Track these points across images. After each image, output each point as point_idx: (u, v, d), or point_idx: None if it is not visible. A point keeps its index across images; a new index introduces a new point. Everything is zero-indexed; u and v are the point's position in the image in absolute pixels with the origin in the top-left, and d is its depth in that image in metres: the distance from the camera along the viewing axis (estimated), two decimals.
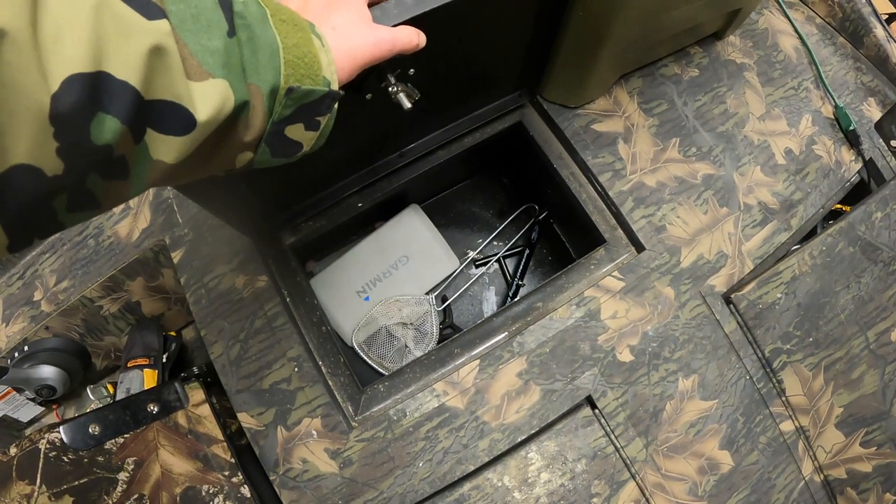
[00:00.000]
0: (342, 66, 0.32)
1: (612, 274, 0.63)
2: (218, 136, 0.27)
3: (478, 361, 0.60)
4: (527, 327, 0.60)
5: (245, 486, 0.56)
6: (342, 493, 0.56)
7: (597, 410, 0.60)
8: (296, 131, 0.31)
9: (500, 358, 0.59)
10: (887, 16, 1.02)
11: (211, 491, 0.55)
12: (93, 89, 0.21)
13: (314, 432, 0.58)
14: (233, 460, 0.56)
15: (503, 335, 0.61)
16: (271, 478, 0.57)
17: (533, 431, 0.58)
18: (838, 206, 0.87)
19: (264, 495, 0.57)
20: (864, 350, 0.69)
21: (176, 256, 0.65)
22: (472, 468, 0.57)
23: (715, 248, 0.68)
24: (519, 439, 0.58)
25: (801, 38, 0.91)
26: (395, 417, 0.58)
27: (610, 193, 0.66)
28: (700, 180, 0.70)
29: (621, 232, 0.66)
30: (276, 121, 0.29)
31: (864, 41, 0.95)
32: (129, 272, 0.69)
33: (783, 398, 0.68)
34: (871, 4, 0.98)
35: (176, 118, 0.24)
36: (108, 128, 0.22)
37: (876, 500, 0.72)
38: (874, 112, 0.91)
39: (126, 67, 0.22)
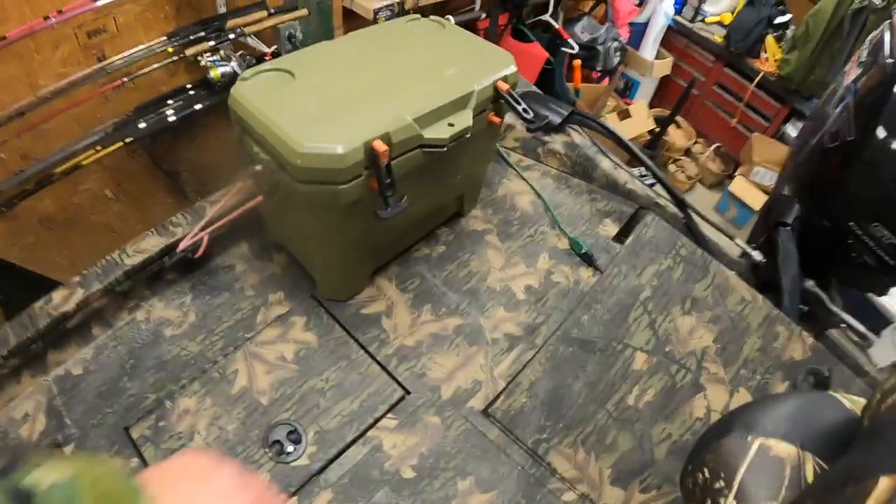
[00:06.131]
0: None
1: (387, 416, 1.14)
2: None
3: None
4: (328, 465, 1.08)
5: None
6: None
7: None
8: None
9: (310, 493, 1.07)
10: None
11: None
12: None
13: None
14: None
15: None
16: None
17: None
18: None
19: None
20: (608, 419, 1.17)
21: (68, 449, 1.07)
22: None
23: (470, 378, 1.20)
24: None
25: (536, 192, 1.54)
26: None
27: (378, 358, 1.19)
28: (451, 331, 1.26)
29: (393, 384, 1.18)
30: None
31: (594, 175, 1.60)
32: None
33: (557, 476, 1.15)
34: (596, 144, 1.64)
35: None
36: None
37: None
38: (611, 229, 1.53)
39: None
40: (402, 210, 0.99)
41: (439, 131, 1.00)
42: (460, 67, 1.11)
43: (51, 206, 1.82)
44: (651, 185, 1.67)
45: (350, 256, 1.17)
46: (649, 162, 1.61)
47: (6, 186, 1.55)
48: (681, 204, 1.54)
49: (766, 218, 2.29)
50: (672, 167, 3.27)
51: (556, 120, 1.59)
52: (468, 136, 1.04)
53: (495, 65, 1.14)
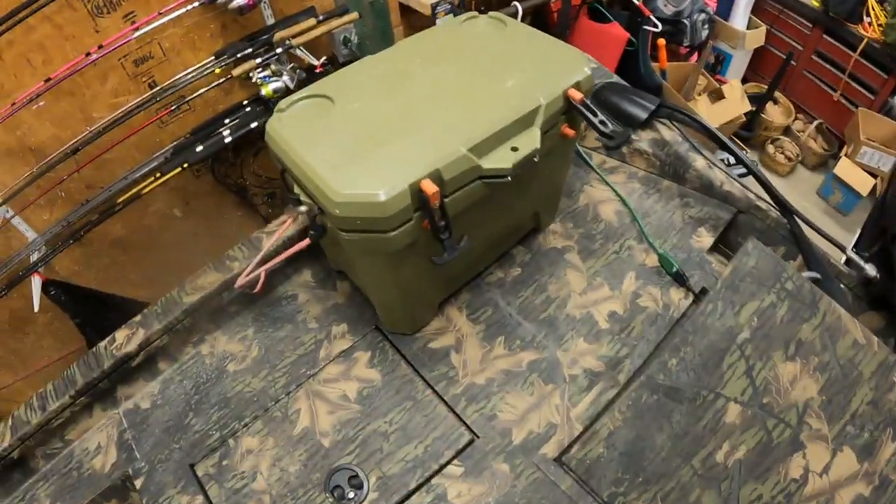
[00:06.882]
0: None
1: (453, 462, 1.05)
2: None
3: None
4: None
5: None
6: None
7: None
8: None
9: None
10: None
11: None
12: None
13: None
14: None
15: None
16: None
17: None
18: None
19: None
20: (693, 476, 1.05)
21: (138, 483, 1.10)
22: None
23: (544, 422, 1.09)
24: None
25: (622, 199, 1.38)
26: None
27: (445, 398, 1.10)
28: (525, 367, 1.15)
29: (460, 427, 1.09)
30: None
31: (687, 176, 1.43)
32: (106, 495, 1.13)
33: None
34: (688, 140, 1.46)
35: None
36: None
37: None
38: (705, 240, 1.36)
39: None
40: (462, 251, 0.87)
41: (501, 159, 0.88)
42: (523, 76, 0.98)
43: (122, 230, 1.86)
44: (742, 176, 1.48)
45: (411, 296, 1.09)
46: (754, 169, 1.39)
47: (74, 217, 1.58)
48: (784, 208, 1.34)
49: (878, 221, 2.01)
50: (770, 148, 2.95)
51: (642, 116, 1.42)
52: (537, 158, 0.90)
53: (565, 69, 1.00)
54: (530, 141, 0.90)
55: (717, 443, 1.05)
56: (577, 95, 0.95)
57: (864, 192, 2.65)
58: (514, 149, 0.88)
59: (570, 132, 1.01)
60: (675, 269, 1.28)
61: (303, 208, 0.92)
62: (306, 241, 0.99)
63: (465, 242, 0.87)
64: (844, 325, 1.13)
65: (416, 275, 1.02)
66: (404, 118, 0.92)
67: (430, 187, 0.79)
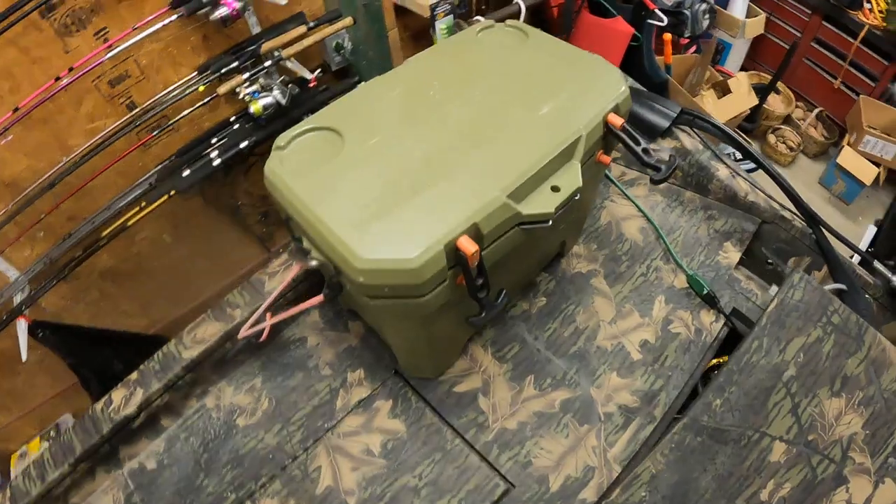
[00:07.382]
0: None
1: None
2: None
3: None
4: None
5: None
6: None
7: None
8: None
9: None
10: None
11: None
12: None
13: None
14: None
15: None
16: None
17: None
18: (716, 360, 1.21)
19: None
20: None
21: None
22: None
23: (581, 465, 1.03)
24: None
25: (645, 215, 1.31)
26: None
27: (476, 447, 1.03)
28: (558, 408, 1.08)
29: (495, 477, 1.02)
30: None
31: (710, 187, 1.36)
32: None
33: None
34: (709, 147, 1.39)
35: None
36: None
37: None
38: (732, 255, 1.30)
39: None
40: (501, 308, 0.79)
41: (543, 203, 0.79)
42: (558, 100, 0.90)
43: (110, 260, 1.75)
44: (750, 171, 1.42)
45: (439, 345, 1.01)
46: (792, 189, 1.31)
47: (57, 254, 1.47)
48: (811, 219, 1.28)
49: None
50: (772, 137, 2.91)
51: (664, 124, 1.35)
52: (578, 196, 0.82)
53: (601, 89, 0.92)
54: (572, 178, 0.81)
55: (762, 482, 1.01)
56: (617, 121, 0.87)
57: (868, 181, 2.61)
58: (555, 188, 0.80)
59: (606, 159, 0.94)
60: (705, 291, 1.22)
61: (314, 263, 0.82)
62: (319, 298, 0.89)
63: (503, 299, 0.79)
64: (889, 358, 1.10)
65: (445, 328, 0.94)
66: (431, 158, 0.82)
67: (469, 246, 0.70)
